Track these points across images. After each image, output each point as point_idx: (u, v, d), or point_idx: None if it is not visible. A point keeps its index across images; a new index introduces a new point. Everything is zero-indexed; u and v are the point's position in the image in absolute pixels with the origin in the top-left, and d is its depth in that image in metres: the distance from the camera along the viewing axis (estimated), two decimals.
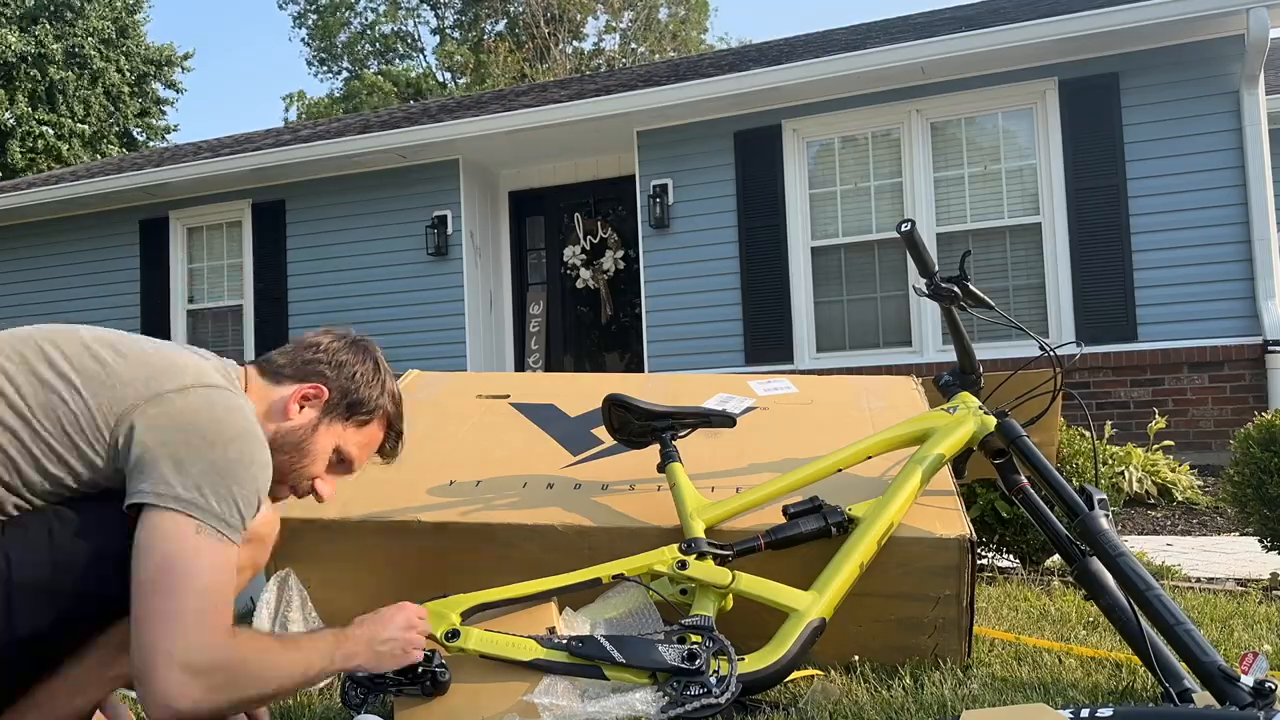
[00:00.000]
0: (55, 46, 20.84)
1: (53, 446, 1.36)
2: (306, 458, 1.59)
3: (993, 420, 2.22)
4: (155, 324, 9.25)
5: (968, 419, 2.24)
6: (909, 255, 2.40)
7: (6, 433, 1.35)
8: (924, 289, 2.41)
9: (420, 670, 1.68)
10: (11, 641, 1.33)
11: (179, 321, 9.32)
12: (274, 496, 1.59)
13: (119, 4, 22.46)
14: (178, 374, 1.43)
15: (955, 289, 2.36)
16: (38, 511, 1.37)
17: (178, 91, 24.38)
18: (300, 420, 1.58)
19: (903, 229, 2.35)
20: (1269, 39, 6.27)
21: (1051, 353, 2.33)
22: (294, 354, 1.64)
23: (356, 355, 1.64)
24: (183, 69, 24.19)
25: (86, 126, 21.52)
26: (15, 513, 1.36)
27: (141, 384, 1.40)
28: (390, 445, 1.71)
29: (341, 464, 1.65)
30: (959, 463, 2.38)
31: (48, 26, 20.99)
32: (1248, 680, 1.62)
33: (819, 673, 2.09)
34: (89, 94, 21.59)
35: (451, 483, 2.44)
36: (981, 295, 2.38)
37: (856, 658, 2.12)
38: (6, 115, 20.44)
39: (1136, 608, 1.88)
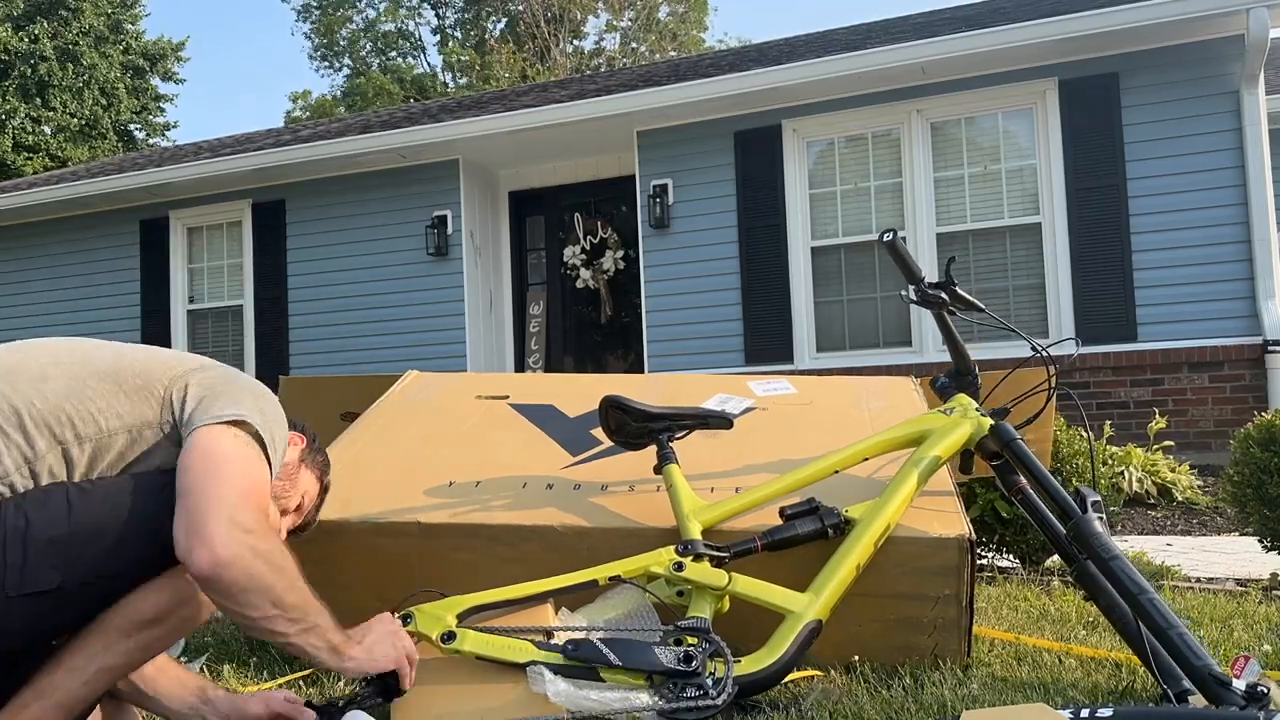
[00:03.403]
0: (49, 44, 20.85)
1: (109, 401, 1.50)
2: (294, 489, 1.84)
3: (989, 422, 2.22)
4: (155, 324, 9.26)
5: (964, 421, 2.24)
6: (895, 265, 2.40)
7: (63, 388, 1.48)
8: (912, 296, 2.41)
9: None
10: (26, 597, 1.36)
11: (179, 321, 9.32)
12: None
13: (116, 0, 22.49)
14: (213, 361, 1.70)
15: (942, 295, 2.36)
16: (58, 483, 1.44)
17: (176, 83, 24.41)
18: (290, 457, 1.81)
19: (885, 238, 2.35)
20: (1269, 39, 6.27)
21: (1043, 353, 2.33)
22: None
23: (309, 429, 1.95)
24: (177, 59, 24.18)
25: (76, 119, 21.49)
26: (47, 481, 1.43)
27: (186, 362, 1.64)
28: (313, 515, 1.93)
29: (298, 510, 1.88)
30: (964, 459, 2.38)
31: (44, 25, 21.00)
32: (1239, 684, 1.62)
33: (819, 673, 2.09)
34: (82, 88, 21.58)
35: (451, 483, 2.44)
36: (970, 299, 2.39)
37: (856, 658, 2.12)
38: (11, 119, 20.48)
39: (1116, 618, 1.88)
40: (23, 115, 20.73)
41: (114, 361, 1.55)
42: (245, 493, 1.44)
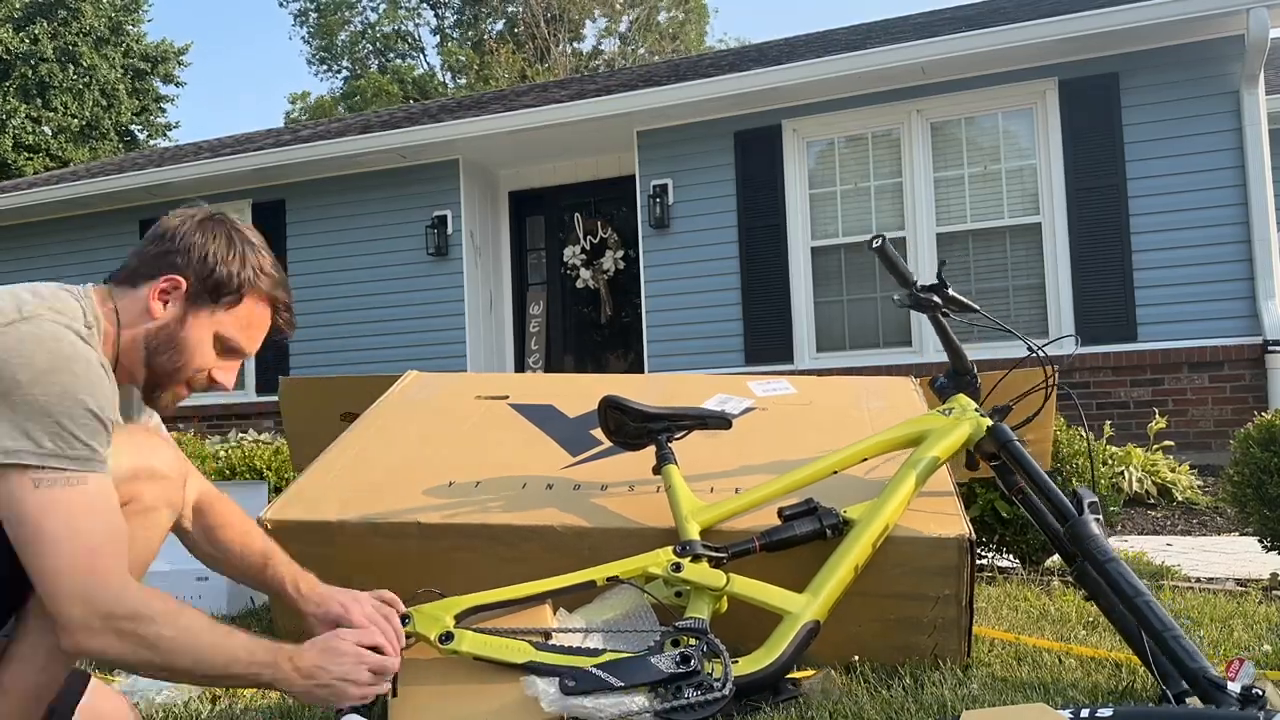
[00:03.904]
0: (49, 45, 20.87)
1: None
2: (186, 352, 1.52)
3: (988, 423, 2.22)
4: None
5: (963, 422, 2.24)
6: (886, 270, 2.39)
7: None
8: (904, 300, 2.40)
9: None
10: None
11: None
12: (174, 397, 1.56)
13: (117, 1, 22.51)
14: None
15: (935, 298, 2.35)
16: None
17: (177, 86, 24.43)
18: (166, 316, 1.51)
19: (874, 244, 2.34)
20: (1269, 39, 6.27)
21: (1038, 352, 2.33)
22: (144, 249, 1.55)
23: (206, 233, 1.55)
24: (180, 63, 24.23)
25: (77, 120, 21.49)
26: None
27: None
28: (283, 319, 1.65)
29: (230, 351, 1.58)
30: (970, 456, 2.37)
31: (44, 26, 21.02)
32: (1234, 687, 1.63)
33: (819, 673, 2.09)
34: (82, 89, 21.59)
35: (450, 484, 2.44)
36: (964, 300, 2.38)
37: (856, 658, 2.12)
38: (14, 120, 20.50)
39: (1117, 617, 1.88)
40: (23, 116, 20.75)
41: None
42: (82, 570, 1.30)
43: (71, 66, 21.52)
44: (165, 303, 1.51)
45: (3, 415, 1.29)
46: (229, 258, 1.54)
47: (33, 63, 20.88)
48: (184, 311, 1.51)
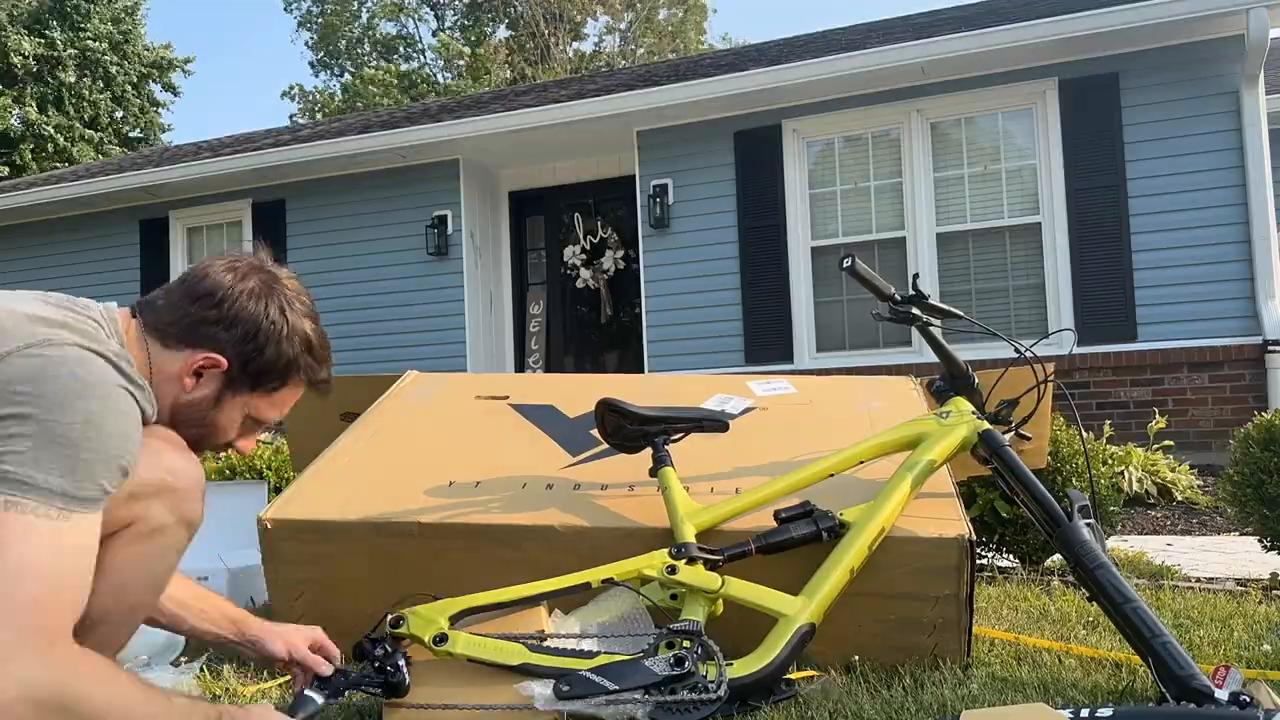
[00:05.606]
0: (67, 52, 20.95)
1: None
2: (213, 431, 1.45)
3: (984, 426, 2.22)
4: None
5: (959, 425, 2.24)
6: (863, 287, 2.39)
7: None
8: (885, 313, 2.40)
9: (379, 664, 1.70)
10: None
11: None
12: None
13: (119, 4, 22.56)
14: (33, 339, 1.22)
15: (914, 309, 2.35)
16: None
17: (175, 94, 24.47)
18: (199, 394, 1.40)
19: (845, 265, 2.34)
20: (1269, 39, 6.28)
21: (1025, 353, 2.34)
22: (181, 306, 1.40)
23: (258, 306, 1.39)
24: (184, 72, 24.28)
25: (95, 132, 21.59)
26: None
27: None
28: (321, 390, 1.52)
29: (257, 425, 1.49)
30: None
31: (58, 30, 21.09)
32: (1222, 694, 1.63)
33: (818, 673, 2.09)
34: (100, 98, 21.69)
35: (450, 484, 2.44)
36: (945, 308, 2.39)
37: (856, 658, 2.12)
38: (14, 120, 20.51)
39: (1113, 621, 1.88)
40: (40, 125, 20.80)
41: None
42: (13, 609, 1.11)
43: (75, 69, 21.55)
44: (199, 379, 1.39)
45: (21, 439, 1.15)
46: (280, 337, 1.41)
47: (51, 70, 20.95)
48: (218, 393, 1.41)
